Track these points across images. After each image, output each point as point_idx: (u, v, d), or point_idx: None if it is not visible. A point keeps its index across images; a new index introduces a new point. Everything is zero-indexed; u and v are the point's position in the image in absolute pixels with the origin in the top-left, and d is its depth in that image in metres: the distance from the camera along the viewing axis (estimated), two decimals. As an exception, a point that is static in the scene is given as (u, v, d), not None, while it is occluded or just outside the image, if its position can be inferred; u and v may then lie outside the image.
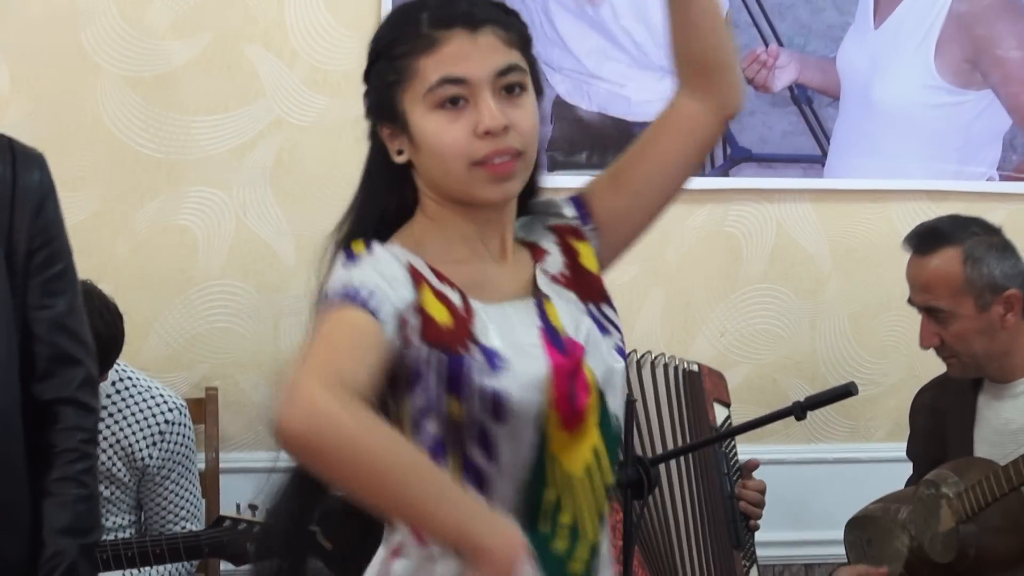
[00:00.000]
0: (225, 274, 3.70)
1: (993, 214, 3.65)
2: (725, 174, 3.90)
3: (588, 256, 1.97)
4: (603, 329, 1.93)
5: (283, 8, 3.68)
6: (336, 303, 1.75)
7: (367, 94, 1.93)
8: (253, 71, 3.67)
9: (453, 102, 1.81)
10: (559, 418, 1.81)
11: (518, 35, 1.87)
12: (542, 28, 3.76)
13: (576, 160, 3.83)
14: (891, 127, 3.99)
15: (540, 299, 1.90)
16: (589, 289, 1.95)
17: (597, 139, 3.86)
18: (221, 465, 3.64)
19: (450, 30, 1.82)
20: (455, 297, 1.83)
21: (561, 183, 3.76)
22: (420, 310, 1.79)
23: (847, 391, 2.70)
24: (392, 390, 1.80)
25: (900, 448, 3.47)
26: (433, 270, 1.84)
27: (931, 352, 3.25)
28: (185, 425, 3.42)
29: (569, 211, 1.99)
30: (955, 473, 3.06)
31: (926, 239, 3.21)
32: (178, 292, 3.67)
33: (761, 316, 3.96)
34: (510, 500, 1.81)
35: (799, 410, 2.68)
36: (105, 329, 3.10)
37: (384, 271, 1.78)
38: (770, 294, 3.94)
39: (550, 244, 1.97)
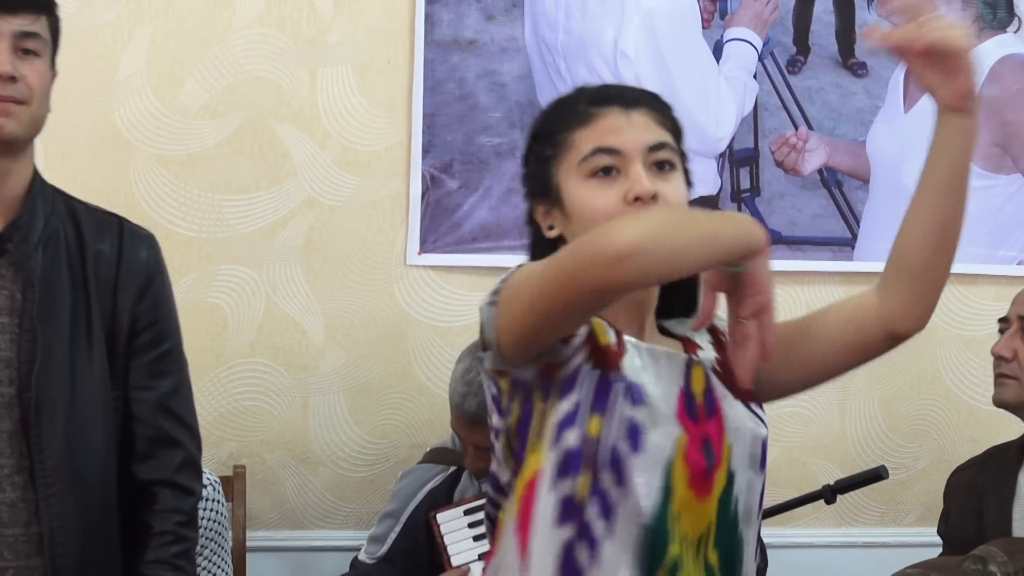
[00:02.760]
0: (255, 352, 3.71)
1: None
2: (754, 256, 3.89)
3: None
4: (755, 415, 2.00)
5: (315, 89, 3.70)
6: None
7: (525, 177, 2.03)
8: (285, 151, 3.69)
9: (606, 171, 1.90)
10: (687, 474, 1.85)
11: (670, 121, 1.98)
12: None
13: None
14: (921, 210, 3.97)
15: (690, 361, 1.96)
16: (738, 387, 1.96)
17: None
18: (248, 544, 3.63)
19: (605, 107, 1.93)
20: (611, 332, 1.90)
21: None
22: (589, 322, 1.87)
23: (877, 475, 2.70)
24: (547, 389, 1.86)
25: (931, 532, 3.44)
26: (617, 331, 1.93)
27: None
28: (218, 502, 3.41)
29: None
30: (1004, 552, 3.02)
31: None
32: (208, 370, 3.66)
33: (790, 399, 3.88)
34: (632, 539, 1.82)
35: (829, 493, 2.68)
36: None
37: None
38: (799, 377, 3.92)
39: (704, 340, 2.03)
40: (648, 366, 1.89)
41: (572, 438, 1.82)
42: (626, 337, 1.90)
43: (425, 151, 3.73)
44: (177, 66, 3.65)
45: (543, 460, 1.84)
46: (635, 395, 1.84)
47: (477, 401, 3.06)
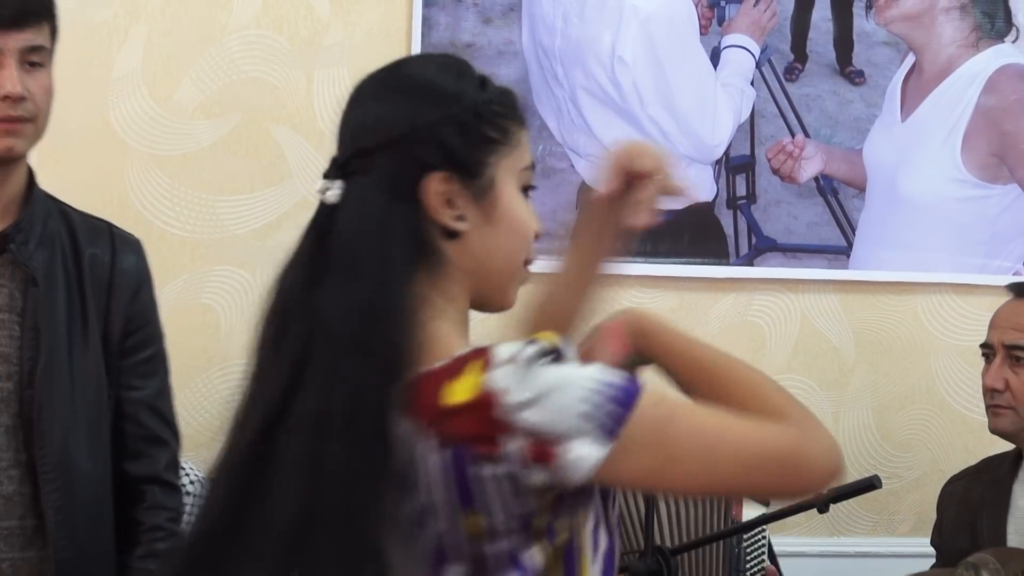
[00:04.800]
0: (247, 355, 3.67)
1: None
2: (750, 263, 3.90)
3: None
4: None
5: (311, 91, 3.70)
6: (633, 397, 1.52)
7: (431, 142, 1.64)
8: (280, 152, 3.69)
9: (525, 192, 1.70)
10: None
11: None
12: (569, 115, 3.80)
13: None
14: (917, 219, 4.00)
15: None
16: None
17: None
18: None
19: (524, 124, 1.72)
20: None
21: None
22: None
23: (870, 484, 2.68)
24: (573, 501, 1.56)
25: (924, 542, 3.44)
26: None
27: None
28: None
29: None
30: (997, 559, 3.02)
31: None
32: (200, 372, 3.66)
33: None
34: None
35: (822, 503, 2.67)
36: None
37: None
38: (793, 385, 3.92)
39: None
40: None
41: (603, 539, 1.61)
42: None
43: (421, 154, 3.72)
44: (173, 66, 3.65)
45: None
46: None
47: None
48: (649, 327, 1.73)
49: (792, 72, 3.95)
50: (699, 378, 1.65)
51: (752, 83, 3.92)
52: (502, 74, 3.76)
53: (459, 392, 1.51)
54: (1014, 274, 4.02)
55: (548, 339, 1.54)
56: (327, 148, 3.64)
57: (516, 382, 1.49)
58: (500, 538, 1.52)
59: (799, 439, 1.51)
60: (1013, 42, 4.06)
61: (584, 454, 1.48)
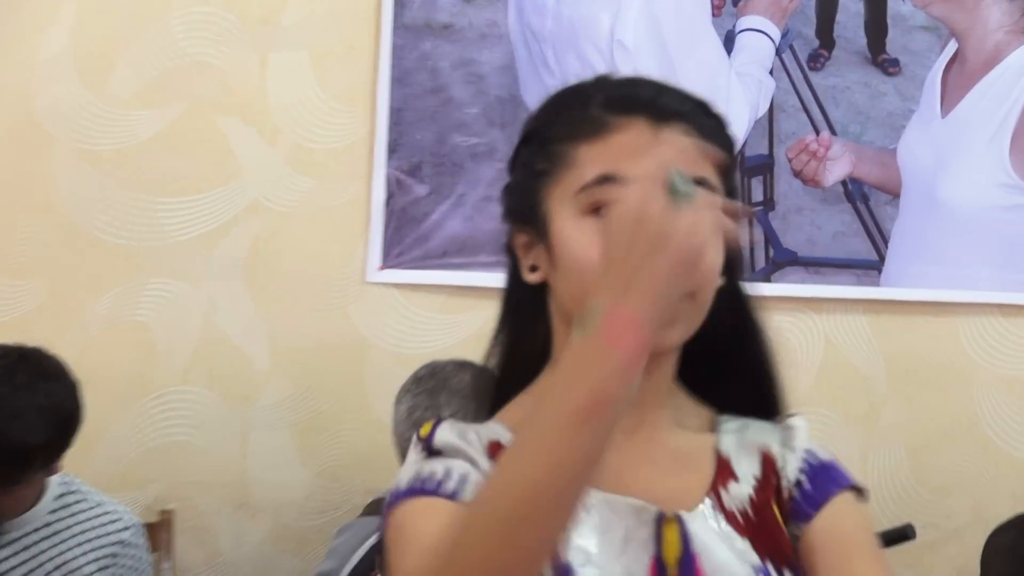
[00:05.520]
0: (188, 380, 3.69)
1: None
2: (767, 280, 3.90)
3: (778, 514, 1.66)
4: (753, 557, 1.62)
5: (265, 77, 3.70)
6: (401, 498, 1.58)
7: (506, 191, 1.72)
8: (228, 148, 3.69)
9: (597, 212, 1.58)
10: None
11: (718, 149, 1.61)
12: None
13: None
14: (959, 230, 4.00)
15: (661, 518, 1.61)
16: (772, 543, 1.64)
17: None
18: (175, 601, 3.61)
19: (628, 116, 1.59)
20: None
21: None
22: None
23: (904, 534, 2.68)
24: None
25: (964, 602, 3.44)
26: None
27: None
28: (141, 547, 3.38)
29: (799, 457, 1.68)
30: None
31: None
32: (132, 399, 3.65)
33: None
34: None
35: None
36: (62, 400, 3.07)
37: (463, 440, 1.62)
38: (816, 419, 3.92)
39: (747, 469, 1.68)
40: (601, 512, 1.60)
41: None
42: None
43: (390, 151, 3.74)
44: (107, 48, 3.64)
45: None
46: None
47: None
48: None
49: (817, 60, 3.96)
50: None
51: (771, 72, 3.92)
52: (484, 60, 3.78)
53: None
54: (1071, 293, 4.04)
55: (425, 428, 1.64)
56: (282, 143, 3.70)
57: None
58: None
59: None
60: (1067, 28, 4.08)
61: None
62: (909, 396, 3.99)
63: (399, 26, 3.73)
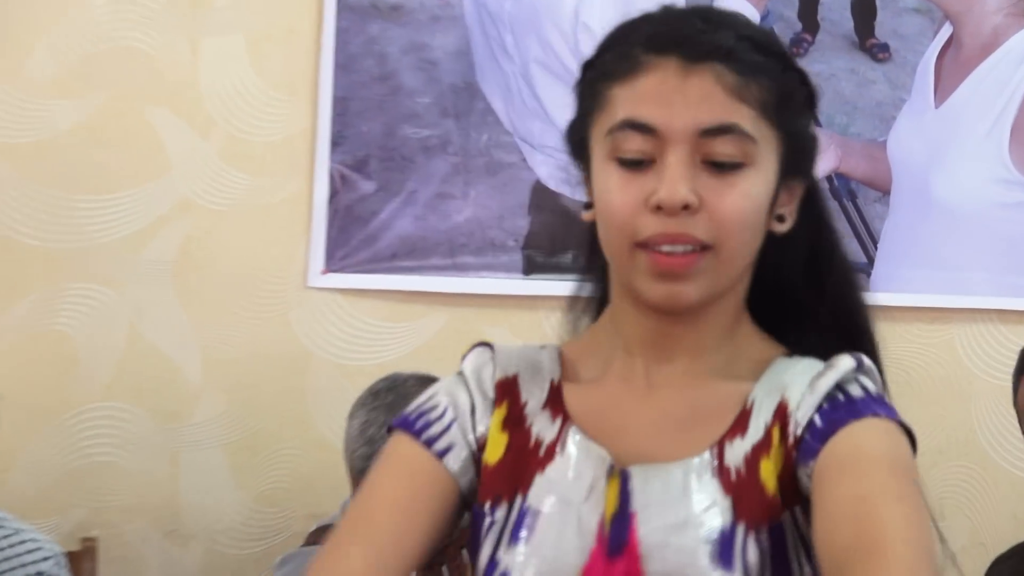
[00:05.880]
0: (112, 395, 3.67)
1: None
2: (746, 283, 3.88)
3: (769, 472, 1.68)
4: (726, 563, 1.64)
5: (196, 64, 3.70)
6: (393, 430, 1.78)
7: (568, 123, 1.81)
8: (157, 140, 3.68)
9: (634, 163, 1.67)
10: None
11: (763, 87, 1.68)
12: (520, 96, 3.81)
13: (559, 262, 3.83)
14: (954, 230, 4.02)
15: (611, 468, 1.72)
16: (753, 504, 1.67)
17: (586, 235, 3.83)
18: (98, 637, 3.59)
19: (661, 56, 1.67)
20: (547, 429, 1.75)
21: (539, 290, 3.80)
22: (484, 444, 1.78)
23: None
24: (471, 547, 1.76)
25: (961, 635, 3.41)
26: (555, 388, 1.79)
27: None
28: (64, 580, 3.37)
29: (819, 395, 1.69)
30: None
31: None
32: (51, 416, 3.63)
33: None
34: None
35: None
36: None
37: (470, 384, 1.80)
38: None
39: (761, 420, 1.71)
40: (576, 473, 1.72)
41: None
42: (572, 433, 1.75)
43: (334, 144, 3.74)
44: (22, 31, 3.62)
45: None
46: (517, 528, 1.71)
47: None
48: None
49: (800, 45, 3.96)
50: None
51: (750, 58, 3.91)
52: (437, 44, 3.78)
53: None
54: (1077, 296, 4.04)
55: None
56: (216, 135, 3.67)
57: None
58: None
59: None
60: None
61: None
62: (901, 410, 3.89)
63: (343, 7, 3.73)
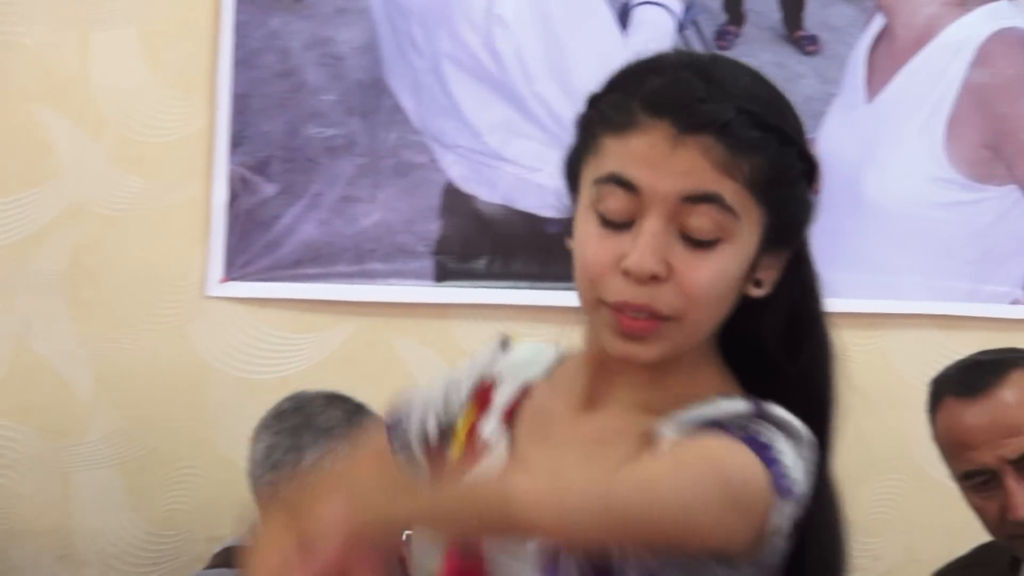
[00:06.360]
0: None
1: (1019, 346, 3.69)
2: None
3: None
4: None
5: (86, 61, 3.70)
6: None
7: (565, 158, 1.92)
8: (43, 142, 3.68)
9: (612, 224, 1.77)
10: None
11: (754, 165, 1.77)
12: (430, 93, 3.83)
13: (472, 268, 3.88)
14: (886, 232, 4.06)
15: None
16: None
17: (501, 240, 3.90)
18: (-17, 671, 3.59)
19: (653, 119, 1.75)
20: (493, 428, 1.92)
21: (451, 298, 3.85)
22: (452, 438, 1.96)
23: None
24: None
25: (895, 656, 3.49)
26: (524, 390, 1.93)
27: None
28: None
29: (679, 426, 1.79)
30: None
31: (979, 372, 3.14)
32: (-69, 435, 3.61)
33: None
34: None
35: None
36: None
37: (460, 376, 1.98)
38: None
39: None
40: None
41: None
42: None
43: (233, 145, 3.74)
44: None
45: None
46: None
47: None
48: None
49: (725, 37, 4.01)
50: None
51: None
52: (343, 39, 3.79)
53: None
54: (1012, 302, 4.05)
55: None
56: (108, 136, 3.68)
57: None
58: None
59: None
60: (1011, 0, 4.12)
61: None
62: (832, 421, 4.02)
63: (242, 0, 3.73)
